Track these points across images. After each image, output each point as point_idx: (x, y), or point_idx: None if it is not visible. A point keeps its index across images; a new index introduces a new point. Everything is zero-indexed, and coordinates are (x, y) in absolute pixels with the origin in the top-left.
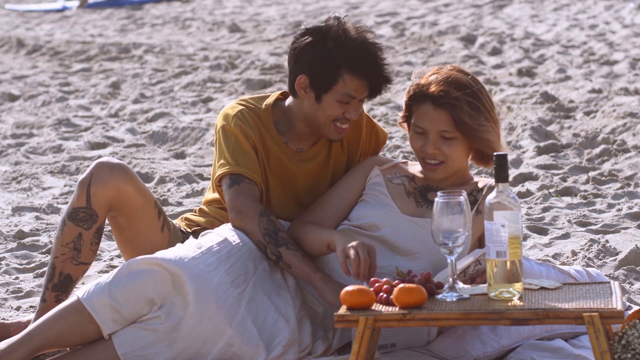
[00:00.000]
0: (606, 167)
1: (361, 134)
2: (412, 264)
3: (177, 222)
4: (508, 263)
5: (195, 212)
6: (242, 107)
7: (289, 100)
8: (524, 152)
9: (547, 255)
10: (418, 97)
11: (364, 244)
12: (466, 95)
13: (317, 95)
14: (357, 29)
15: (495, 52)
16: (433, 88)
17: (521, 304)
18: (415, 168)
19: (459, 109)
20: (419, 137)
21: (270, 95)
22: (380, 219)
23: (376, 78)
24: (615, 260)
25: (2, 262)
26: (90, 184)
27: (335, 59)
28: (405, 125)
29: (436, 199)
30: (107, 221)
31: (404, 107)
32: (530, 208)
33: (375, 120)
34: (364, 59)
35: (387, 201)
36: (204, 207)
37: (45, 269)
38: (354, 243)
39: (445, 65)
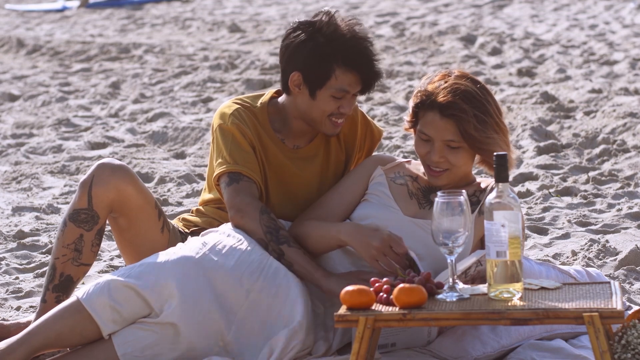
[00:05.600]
0: (606, 167)
1: (357, 130)
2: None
3: (175, 222)
4: (508, 263)
5: (192, 212)
6: (239, 106)
7: (283, 98)
8: (524, 152)
9: (547, 255)
10: (425, 104)
11: (389, 237)
12: (474, 108)
13: (311, 91)
14: (348, 23)
15: (495, 52)
16: (441, 98)
17: (521, 304)
18: (418, 168)
19: (465, 122)
20: (425, 144)
21: (265, 94)
22: (382, 220)
23: (368, 72)
24: (615, 260)
25: (2, 262)
26: (91, 185)
27: (327, 54)
28: (411, 130)
29: (436, 199)
30: (107, 222)
31: (410, 112)
32: (530, 208)
33: (369, 118)
34: (355, 53)
35: (389, 202)
36: (201, 208)
37: (46, 269)
38: (379, 241)
39: (452, 71)
